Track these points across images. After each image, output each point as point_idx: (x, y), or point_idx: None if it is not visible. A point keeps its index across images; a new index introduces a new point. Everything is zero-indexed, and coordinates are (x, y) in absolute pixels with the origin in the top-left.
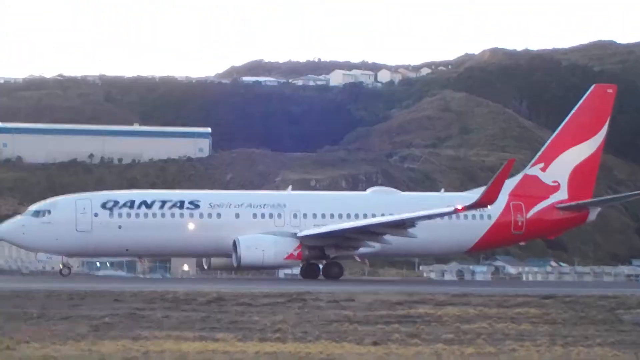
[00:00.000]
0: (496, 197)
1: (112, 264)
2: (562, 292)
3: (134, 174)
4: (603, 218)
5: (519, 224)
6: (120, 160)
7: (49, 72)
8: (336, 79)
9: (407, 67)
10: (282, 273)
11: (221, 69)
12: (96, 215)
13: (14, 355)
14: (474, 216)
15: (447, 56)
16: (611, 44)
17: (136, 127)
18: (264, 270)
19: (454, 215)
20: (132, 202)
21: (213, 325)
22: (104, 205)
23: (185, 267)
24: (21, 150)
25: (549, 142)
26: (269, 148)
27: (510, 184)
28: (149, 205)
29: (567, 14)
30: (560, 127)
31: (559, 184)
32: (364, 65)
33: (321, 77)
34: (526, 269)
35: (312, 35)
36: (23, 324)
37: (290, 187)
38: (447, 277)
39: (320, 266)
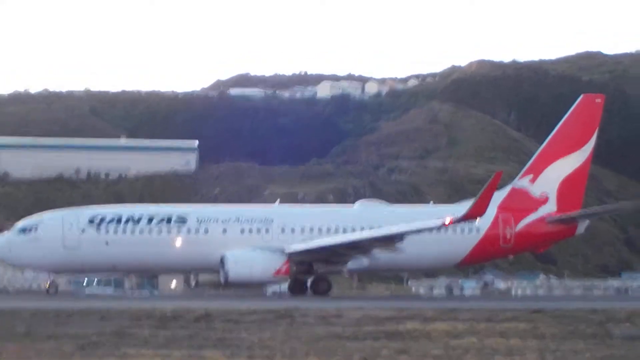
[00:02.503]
0: (485, 210)
1: (99, 281)
2: (551, 306)
3: (120, 189)
4: (592, 230)
5: (508, 237)
6: (107, 175)
7: (35, 87)
8: (323, 90)
9: (394, 79)
10: (269, 289)
11: (207, 82)
12: (83, 231)
13: None
14: (462, 229)
15: (434, 68)
16: (598, 55)
17: (122, 142)
18: (252, 287)
19: (442, 229)
20: (120, 218)
21: (201, 343)
22: (91, 221)
23: (174, 284)
24: (7, 166)
25: (537, 153)
26: (256, 161)
27: (498, 197)
28: (136, 221)
29: (554, 24)
30: (548, 138)
31: (548, 196)
32: (351, 77)
33: (308, 88)
34: (515, 282)
35: (298, 48)
36: (9, 342)
37: (278, 200)
38: (436, 292)
39: (309, 282)
